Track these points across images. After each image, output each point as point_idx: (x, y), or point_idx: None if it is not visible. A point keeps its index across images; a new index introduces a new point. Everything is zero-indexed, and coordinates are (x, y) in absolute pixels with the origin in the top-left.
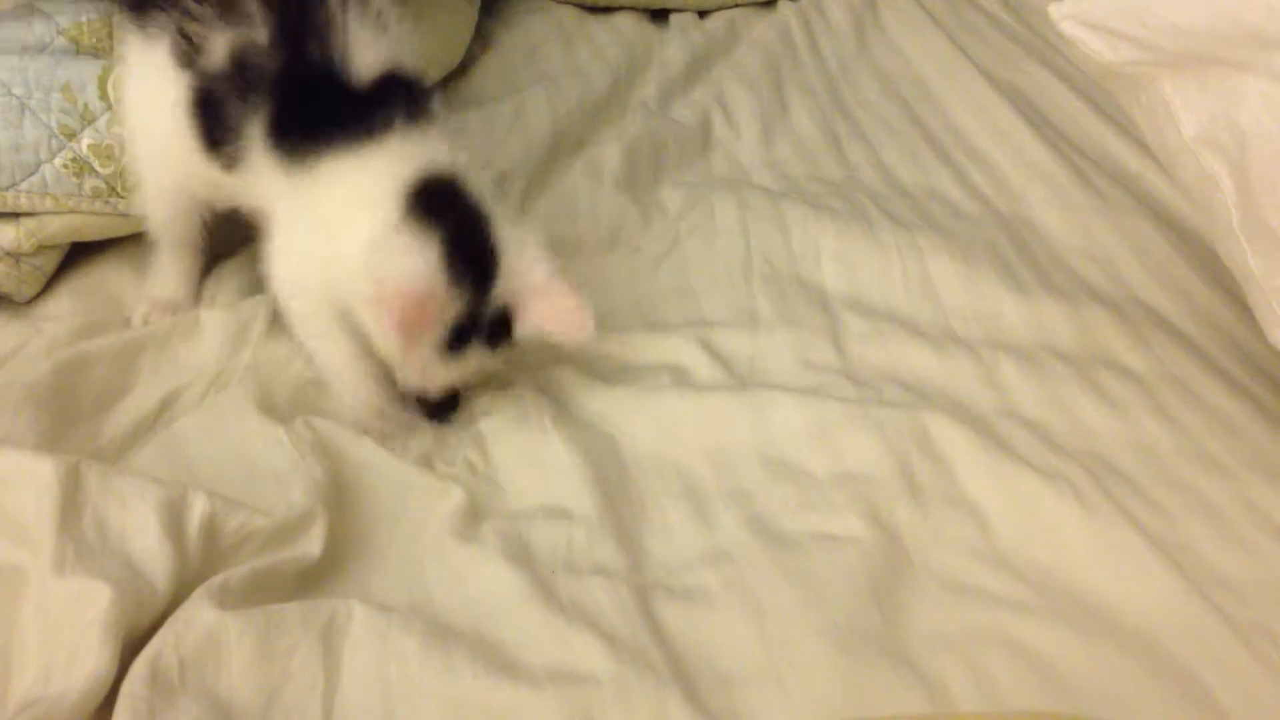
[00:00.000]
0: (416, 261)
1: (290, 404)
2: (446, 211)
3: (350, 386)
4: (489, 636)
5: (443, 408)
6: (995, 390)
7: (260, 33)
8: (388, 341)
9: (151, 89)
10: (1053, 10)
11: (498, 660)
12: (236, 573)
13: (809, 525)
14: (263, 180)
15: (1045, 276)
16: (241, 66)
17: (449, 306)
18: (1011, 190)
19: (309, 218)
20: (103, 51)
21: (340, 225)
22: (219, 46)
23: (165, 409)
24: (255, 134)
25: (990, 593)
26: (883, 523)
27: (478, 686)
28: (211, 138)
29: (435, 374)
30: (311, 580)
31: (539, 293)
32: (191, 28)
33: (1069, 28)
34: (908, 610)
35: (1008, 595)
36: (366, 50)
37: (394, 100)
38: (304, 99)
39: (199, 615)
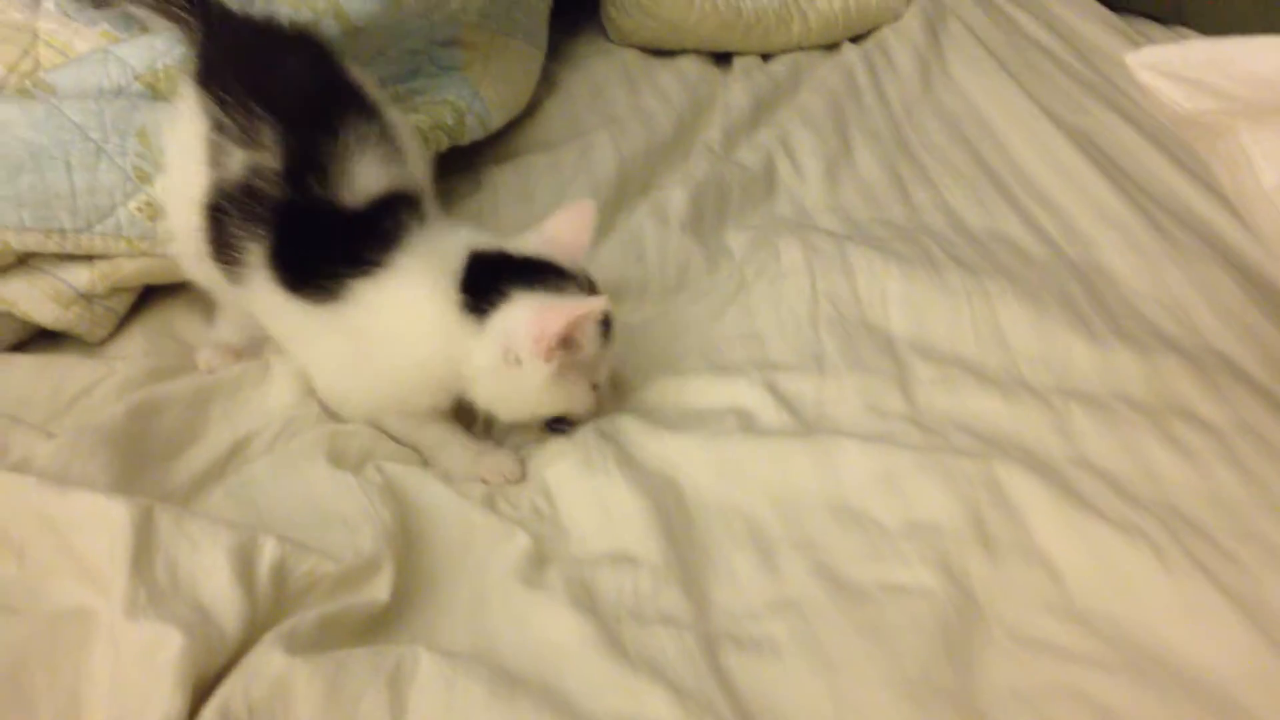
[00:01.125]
0: (534, 304)
1: (360, 452)
2: (502, 263)
3: (440, 446)
4: (554, 685)
5: (561, 419)
6: (1066, 439)
7: (272, 160)
8: (537, 381)
9: (184, 163)
10: (1130, 59)
11: (563, 710)
12: (305, 618)
13: (879, 576)
14: (268, 301)
15: (1116, 323)
16: (253, 191)
17: (582, 319)
18: (1080, 235)
19: (347, 339)
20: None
21: (407, 332)
22: (236, 162)
23: (236, 454)
24: (259, 260)
25: (1064, 648)
26: (954, 574)
27: None
28: (218, 249)
29: (581, 389)
30: (379, 625)
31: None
32: (219, 137)
33: (1147, 77)
34: (980, 664)
35: (1082, 650)
36: (372, 177)
37: (402, 213)
38: (314, 231)
39: (268, 661)
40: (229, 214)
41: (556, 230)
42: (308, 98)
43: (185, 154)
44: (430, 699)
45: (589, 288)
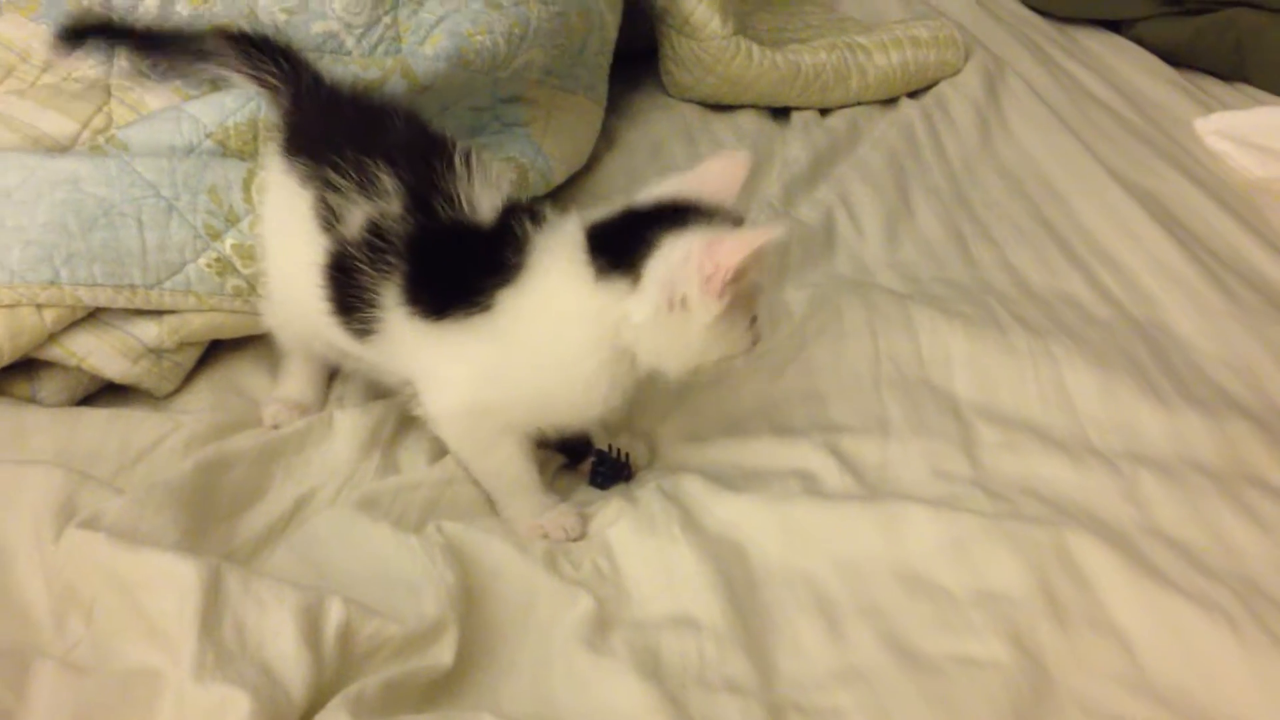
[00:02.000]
0: (697, 242)
1: (423, 506)
2: (634, 219)
3: (517, 490)
4: None
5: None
6: (1136, 506)
7: (396, 203)
8: (706, 321)
9: (290, 234)
10: (1199, 125)
11: None
12: (370, 683)
13: (947, 646)
14: (403, 339)
15: (1184, 386)
16: (381, 237)
17: (762, 250)
18: (1145, 295)
19: (499, 348)
20: (248, 154)
21: (560, 320)
22: (357, 217)
23: (298, 510)
24: (394, 299)
25: None
26: (1024, 645)
27: None
28: (345, 305)
29: (743, 327)
30: (442, 689)
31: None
32: (333, 198)
33: (1215, 142)
34: None
35: None
36: (489, 194)
37: (521, 218)
38: (452, 253)
39: None
40: (358, 267)
41: (705, 175)
42: (413, 141)
43: (290, 229)
44: None
45: (738, 223)
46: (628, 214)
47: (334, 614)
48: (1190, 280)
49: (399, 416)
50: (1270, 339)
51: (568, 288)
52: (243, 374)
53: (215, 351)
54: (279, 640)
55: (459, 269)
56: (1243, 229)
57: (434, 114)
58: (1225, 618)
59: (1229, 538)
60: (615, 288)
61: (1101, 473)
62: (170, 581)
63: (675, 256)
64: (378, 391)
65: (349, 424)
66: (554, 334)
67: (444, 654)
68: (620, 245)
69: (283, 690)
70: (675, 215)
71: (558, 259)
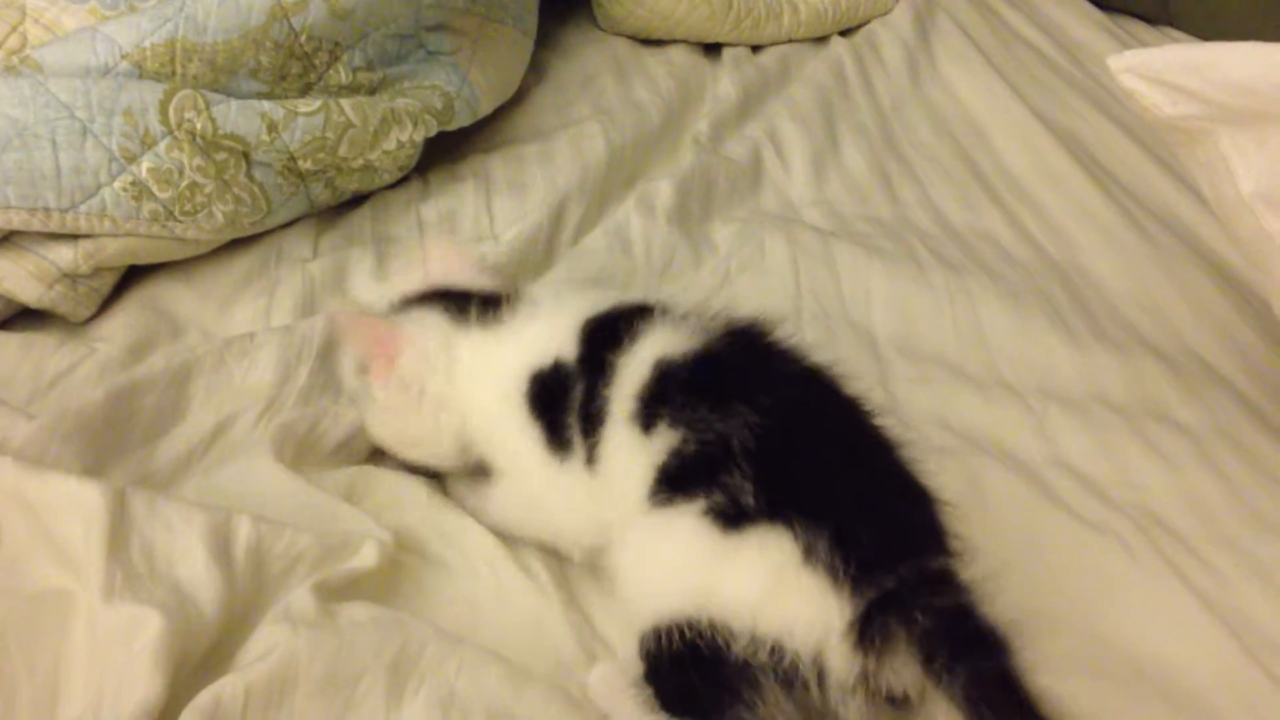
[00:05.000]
0: None
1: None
2: None
3: None
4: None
5: None
6: (1045, 439)
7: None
8: None
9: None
10: (1112, 62)
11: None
12: (298, 593)
13: None
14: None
15: (1097, 325)
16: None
17: None
18: (1064, 236)
19: None
20: (164, 76)
21: None
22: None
23: (218, 437)
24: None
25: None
26: None
27: None
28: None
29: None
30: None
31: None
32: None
33: (1128, 80)
34: None
35: (1058, 651)
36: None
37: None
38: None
39: (267, 641)
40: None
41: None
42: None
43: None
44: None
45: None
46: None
47: (243, 532)
48: (1107, 221)
49: (324, 334)
50: (1182, 280)
51: None
52: (160, 298)
53: (133, 277)
54: (188, 560)
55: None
56: (1160, 170)
57: (354, 40)
58: (1122, 544)
59: (1132, 470)
60: None
61: (1012, 407)
62: (76, 505)
63: None
64: (307, 309)
65: (274, 341)
66: None
67: (367, 558)
68: None
69: (195, 608)
70: None
71: None
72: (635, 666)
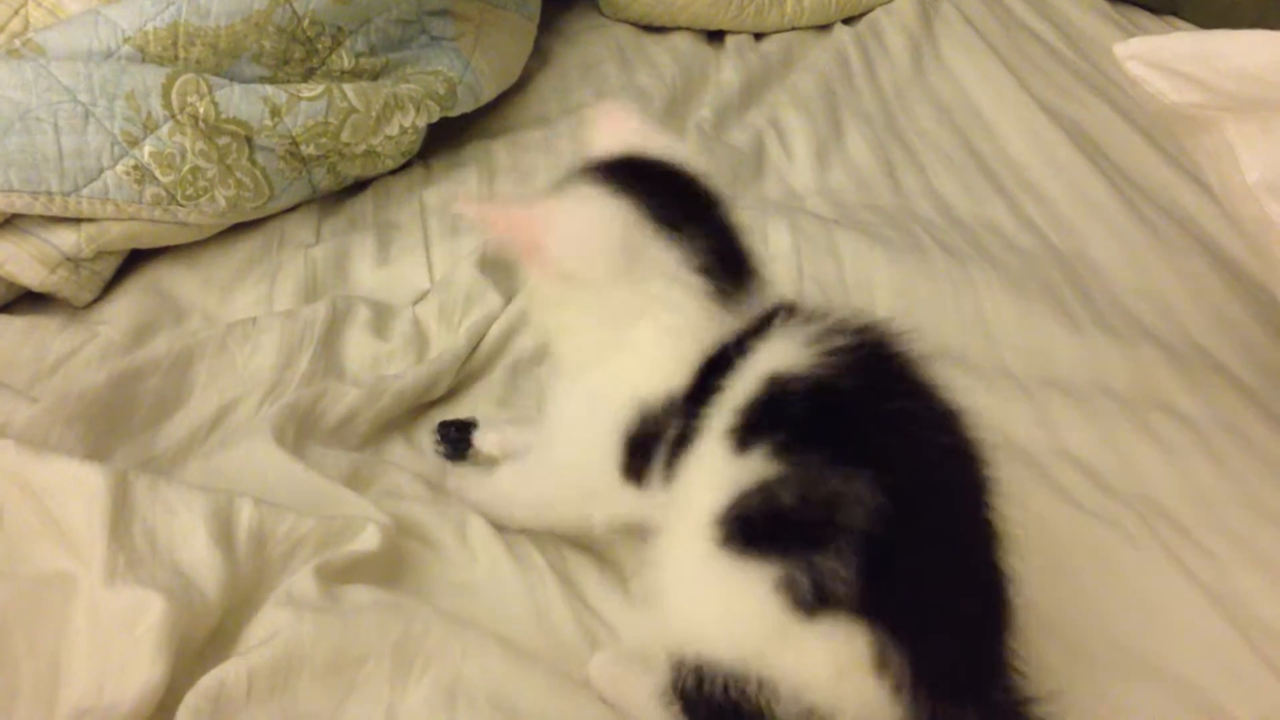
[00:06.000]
0: None
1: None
2: None
3: None
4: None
5: None
6: (1046, 429)
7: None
8: None
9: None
10: (1118, 49)
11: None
12: (299, 576)
13: None
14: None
15: (1099, 314)
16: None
17: None
18: (1067, 225)
19: None
20: (167, 60)
21: None
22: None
23: (220, 421)
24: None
25: None
26: None
27: None
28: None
29: None
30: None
31: None
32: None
33: (1134, 67)
34: None
35: (1058, 640)
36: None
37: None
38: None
39: (271, 624)
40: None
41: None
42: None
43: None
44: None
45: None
46: None
47: (245, 515)
48: (1111, 210)
49: (327, 320)
50: (1185, 269)
51: None
52: (163, 282)
53: (136, 261)
54: (190, 543)
55: None
56: (1163, 159)
57: (357, 25)
58: (1123, 533)
59: (1133, 459)
60: None
61: (1014, 396)
62: (78, 488)
63: None
64: (309, 294)
65: (276, 326)
66: None
67: (369, 541)
68: None
69: (197, 591)
70: None
71: None
72: (663, 677)
